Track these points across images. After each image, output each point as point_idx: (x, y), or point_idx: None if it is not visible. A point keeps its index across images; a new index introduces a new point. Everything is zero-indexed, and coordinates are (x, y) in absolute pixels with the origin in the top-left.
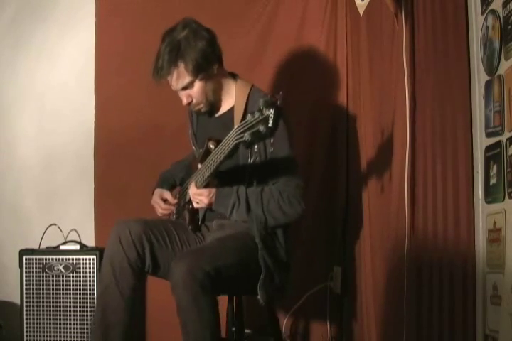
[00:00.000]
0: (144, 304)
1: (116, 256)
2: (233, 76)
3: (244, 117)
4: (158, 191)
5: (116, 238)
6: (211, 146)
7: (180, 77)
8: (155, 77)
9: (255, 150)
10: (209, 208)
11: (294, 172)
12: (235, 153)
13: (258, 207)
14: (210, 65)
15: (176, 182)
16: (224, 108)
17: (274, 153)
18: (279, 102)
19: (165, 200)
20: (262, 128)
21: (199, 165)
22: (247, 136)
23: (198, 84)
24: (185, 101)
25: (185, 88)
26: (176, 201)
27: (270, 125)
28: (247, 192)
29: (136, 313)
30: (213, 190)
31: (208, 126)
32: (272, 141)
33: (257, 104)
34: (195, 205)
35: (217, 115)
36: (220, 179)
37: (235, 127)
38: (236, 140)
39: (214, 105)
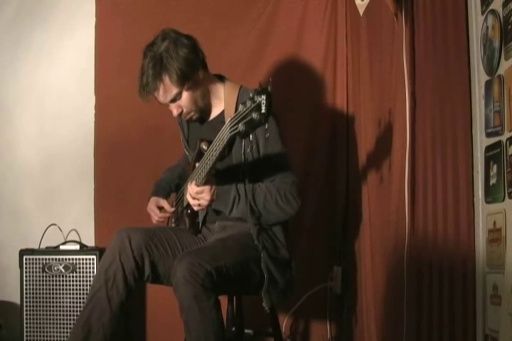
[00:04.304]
0: (143, 304)
1: (112, 265)
2: (220, 78)
3: None
4: (153, 199)
5: (115, 247)
6: (204, 147)
7: (167, 91)
8: (141, 94)
9: (250, 138)
10: (208, 209)
11: (288, 169)
12: (231, 146)
13: (256, 203)
14: (194, 71)
15: (172, 189)
16: (215, 112)
17: (268, 150)
18: (269, 88)
19: (161, 208)
20: (255, 115)
21: (196, 164)
22: (241, 127)
23: (185, 94)
24: (175, 112)
25: (173, 100)
26: (172, 209)
27: (263, 111)
28: (246, 188)
29: (121, 322)
30: (214, 186)
31: (200, 132)
32: (266, 127)
33: (247, 95)
34: (196, 208)
35: (208, 120)
36: (215, 180)
37: (228, 120)
38: (231, 132)
39: (204, 111)
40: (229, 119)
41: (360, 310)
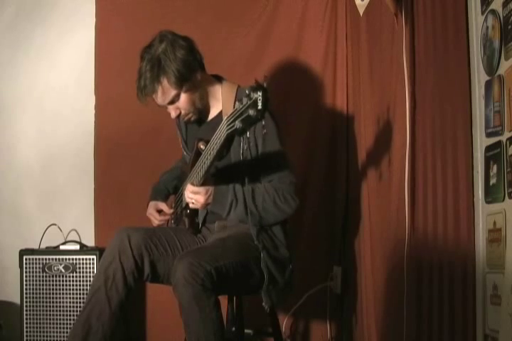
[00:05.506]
0: (143, 304)
1: (112, 264)
2: (218, 79)
3: None
4: (152, 203)
5: (115, 247)
6: (201, 147)
7: (165, 93)
8: (140, 97)
9: (248, 135)
10: (207, 210)
11: (286, 168)
12: (228, 144)
13: (254, 205)
14: (192, 72)
15: (170, 192)
16: (213, 113)
17: (266, 150)
18: (265, 84)
19: (160, 211)
20: (251, 112)
21: (195, 165)
22: (238, 124)
23: (184, 96)
24: (173, 114)
25: (172, 102)
26: (171, 211)
27: (260, 107)
28: (244, 190)
29: (121, 322)
30: (211, 189)
31: (198, 133)
32: (263, 123)
33: (244, 92)
34: (191, 205)
35: (206, 121)
36: (214, 179)
37: (225, 118)
38: (227, 130)
39: (203, 112)
40: (225, 117)
41: (360, 310)
